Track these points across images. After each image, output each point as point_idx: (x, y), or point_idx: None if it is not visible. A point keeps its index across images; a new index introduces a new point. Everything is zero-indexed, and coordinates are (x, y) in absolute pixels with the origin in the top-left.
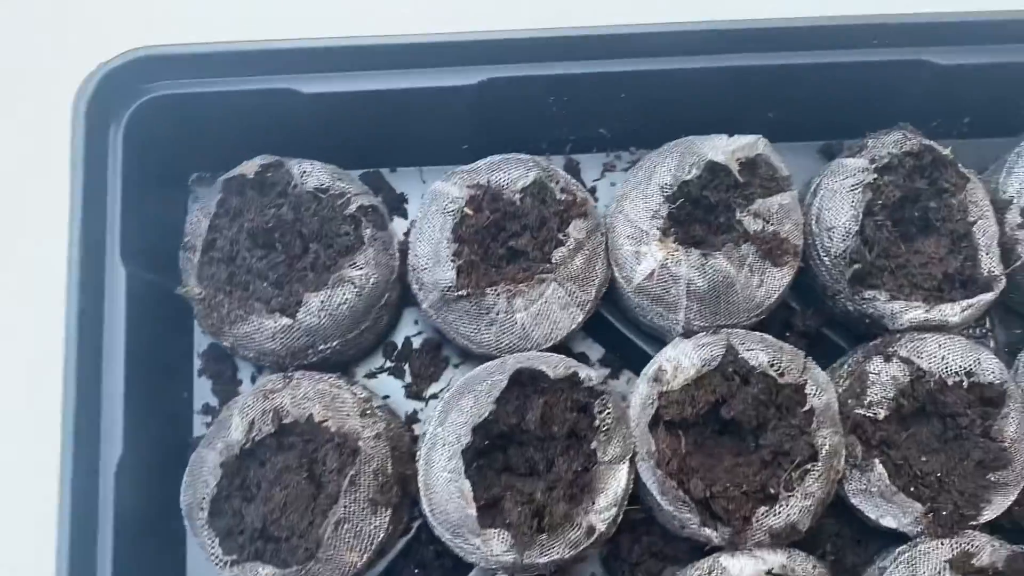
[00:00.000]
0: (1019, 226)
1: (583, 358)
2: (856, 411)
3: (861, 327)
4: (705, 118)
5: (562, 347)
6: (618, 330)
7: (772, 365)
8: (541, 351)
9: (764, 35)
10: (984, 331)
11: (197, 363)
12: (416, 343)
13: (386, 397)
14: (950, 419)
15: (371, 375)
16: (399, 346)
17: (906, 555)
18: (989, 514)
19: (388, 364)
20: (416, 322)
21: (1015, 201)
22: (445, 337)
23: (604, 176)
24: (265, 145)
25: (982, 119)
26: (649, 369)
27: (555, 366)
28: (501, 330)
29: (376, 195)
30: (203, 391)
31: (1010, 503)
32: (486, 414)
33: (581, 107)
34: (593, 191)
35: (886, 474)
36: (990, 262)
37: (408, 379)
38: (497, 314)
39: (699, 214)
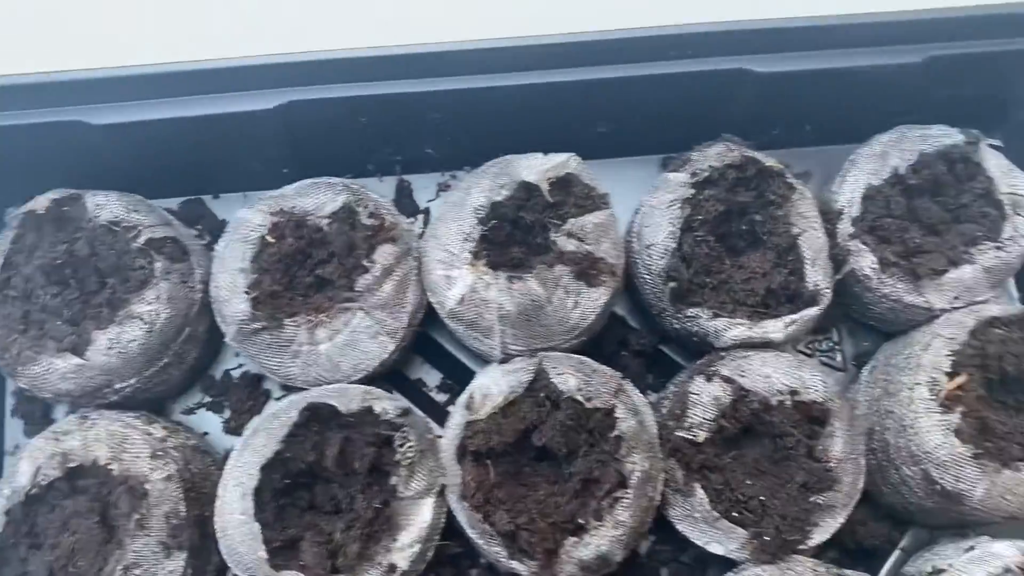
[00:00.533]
0: (851, 236)
1: (420, 384)
2: (676, 434)
3: (692, 345)
4: (533, 136)
5: (398, 374)
6: (452, 355)
7: (580, 390)
8: (353, 382)
9: (581, 49)
10: (831, 344)
11: (10, 402)
12: (236, 376)
13: (205, 434)
14: (776, 440)
15: (189, 411)
16: (217, 380)
17: None
18: (818, 537)
19: (206, 399)
20: (237, 354)
21: (846, 211)
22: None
23: (439, 196)
24: (74, 177)
25: (825, 126)
26: (463, 397)
27: (350, 400)
28: (306, 362)
29: (196, 223)
30: (15, 432)
31: (839, 525)
32: (271, 454)
33: (396, 128)
34: (427, 212)
35: (707, 499)
36: (815, 275)
37: (227, 414)
38: (300, 346)
39: (518, 235)
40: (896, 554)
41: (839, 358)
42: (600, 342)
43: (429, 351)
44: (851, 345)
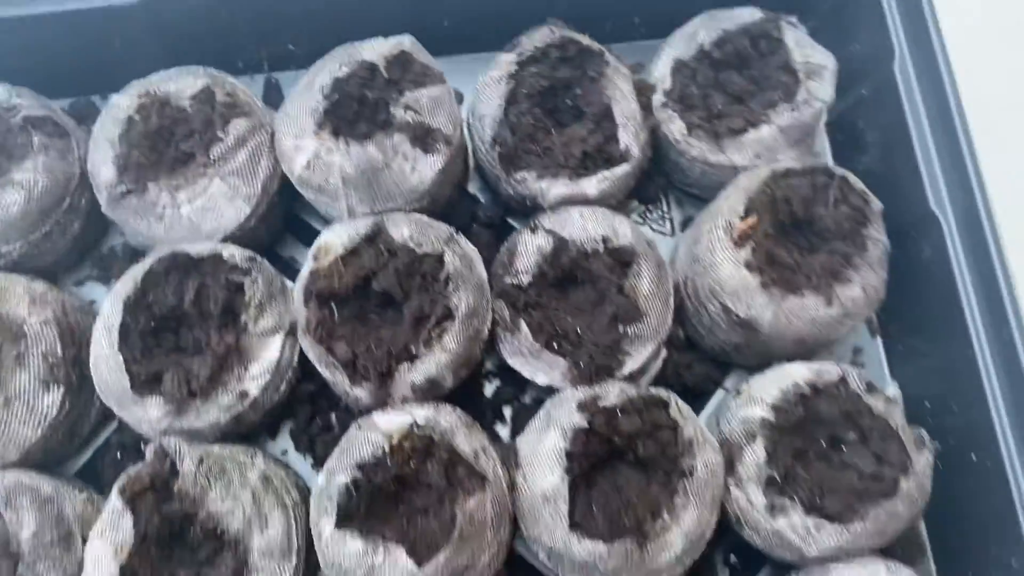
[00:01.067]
0: (662, 105)
1: (292, 261)
2: (505, 279)
3: (527, 211)
4: (385, 30)
5: (272, 252)
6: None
7: (413, 239)
8: None
9: None
10: (662, 213)
11: None
12: (119, 249)
13: (92, 302)
14: (592, 283)
15: (78, 283)
16: (103, 254)
17: (548, 403)
18: (630, 365)
19: (94, 272)
20: (120, 235)
21: (659, 84)
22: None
23: None
24: None
25: (652, 20)
26: (311, 250)
27: (201, 248)
28: (170, 225)
29: (84, 121)
30: None
31: (648, 354)
32: (131, 291)
33: (259, 23)
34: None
35: (530, 334)
36: (626, 138)
37: (112, 283)
38: (163, 208)
39: (365, 113)
40: (719, 393)
41: (668, 226)
42: (451, 217)
43: (301, 232)
44: (679, 213)
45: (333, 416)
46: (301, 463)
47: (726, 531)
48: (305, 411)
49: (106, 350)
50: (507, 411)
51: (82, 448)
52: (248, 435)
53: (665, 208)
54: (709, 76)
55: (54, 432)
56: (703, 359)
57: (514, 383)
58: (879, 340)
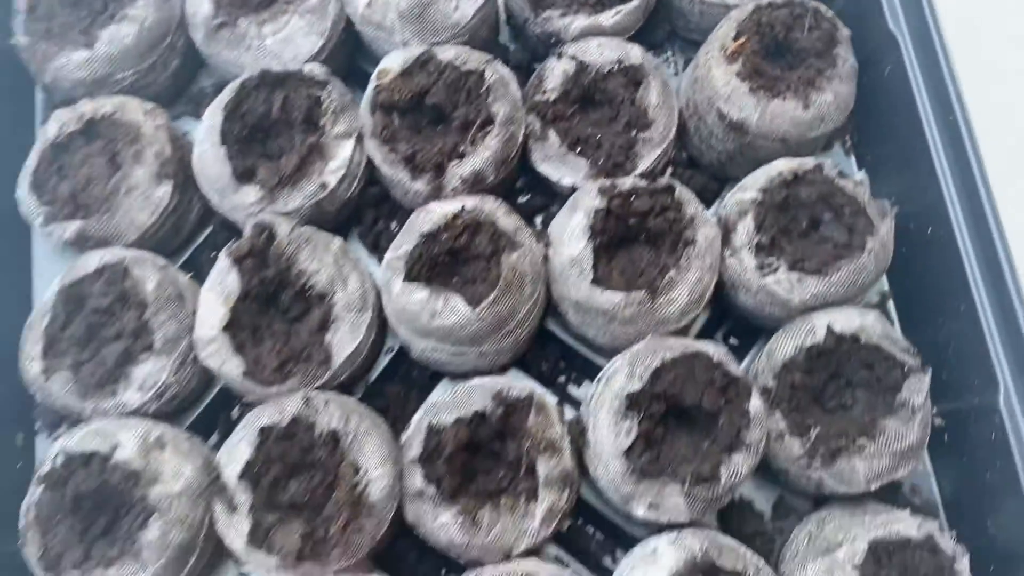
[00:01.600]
0: None
1: None
2: (535, 98)
3: (549, 52)
4: None
5: None
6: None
7: (458, 59)
8: None
9: None
10: (667, 58)
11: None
12: (208, 88)
13: (186, 133)
14: (610, 101)
15: (174, 118)
16: (194, 93)
17: (574, 195)
18: (641, 164)
19: (187, 108)
20: (210, 77)
21: None
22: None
23: None
24: None
25: None
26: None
27: (285, 64)
28: (256, 55)
29: None
30: None
31: (656, 156)
32: (229, 97)
33: None
34: None
35: (558, 140)
36: None
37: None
38: (251, 40)
39: None
40: (718, 202)
41: (673, 68)
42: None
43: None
44: (681, 57)
45: (393, 224)
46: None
47: (725, 313)
48: (370, 215)
49: (210, 147)
50: (537, 220)
51: (183, 248)
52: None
53: (670, 54)
54: None
55: (163, 222)
56: (703, 173)
57: (543, 194)
58: (852, 158)
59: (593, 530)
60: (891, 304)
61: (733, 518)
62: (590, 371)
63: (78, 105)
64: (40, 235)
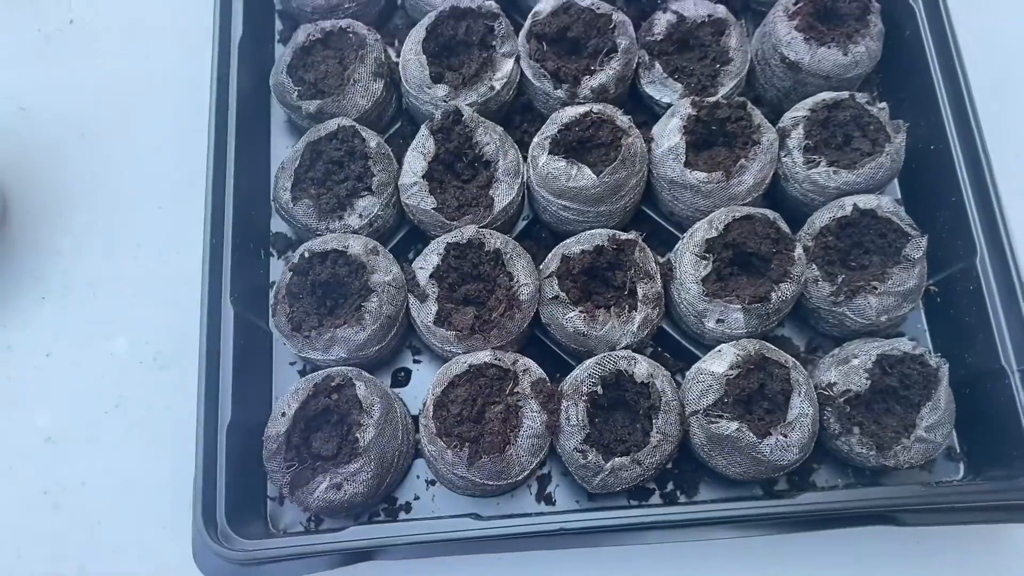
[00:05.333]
0: None
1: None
2: (646, 38)
3: (658, 7)
4: None
5: None
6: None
7: (593, 4)
8: None
9: None
10: (741, 23)
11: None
12: (400, 25)
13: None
14: (701, 45)
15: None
16: (391, 27)
17: (671, 107)
18: (723, 89)
19: (386, 40)
20: (400, 18)
21: None
22: (416, 19)
23: None
24: None
25: None
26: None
27: (468, 2)
28: None
29: None
30: None
31: (734, 84)
32: (430, 22)
33: None
34: None
35: (661, 68)
36: None
37: (396, 44)
38: None
39: None
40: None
41: (746, 32)
42: None
43: None
44: (752, 25)
45: (533, 127)
46: None
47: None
48: (518, 119)
49: (413, 56)
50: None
51: (380, 134)
52: None
53: (743, 22)
54: None
55: (374, 109)
56: (765, 107)
57: (644, 113)
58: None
59: (671, 356)
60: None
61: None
62: (672, 244)
63: (318, 22)
64: (276, 113)
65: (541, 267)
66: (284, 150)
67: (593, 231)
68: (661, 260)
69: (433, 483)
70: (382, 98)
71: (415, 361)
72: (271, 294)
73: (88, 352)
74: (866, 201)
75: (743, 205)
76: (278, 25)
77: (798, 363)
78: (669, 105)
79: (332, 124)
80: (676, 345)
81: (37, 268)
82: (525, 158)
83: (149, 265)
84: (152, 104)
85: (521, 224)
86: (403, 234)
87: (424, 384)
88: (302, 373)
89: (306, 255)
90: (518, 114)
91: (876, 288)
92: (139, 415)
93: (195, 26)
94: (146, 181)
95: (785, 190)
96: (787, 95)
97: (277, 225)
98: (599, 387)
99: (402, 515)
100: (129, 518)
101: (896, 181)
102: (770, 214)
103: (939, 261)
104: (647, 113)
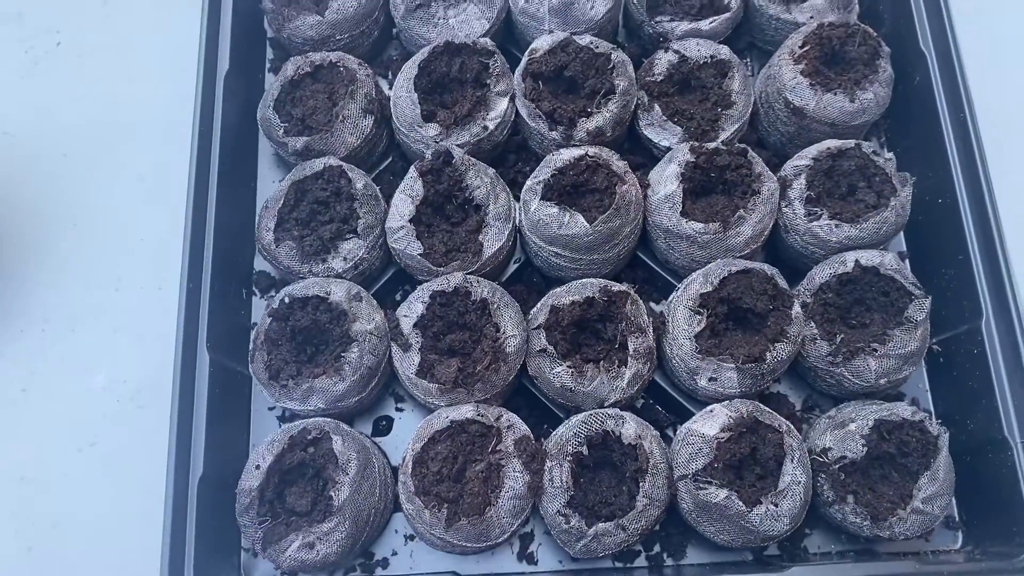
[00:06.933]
0: None
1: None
2: (646, 79)
3: (659, 46)
4: None
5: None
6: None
7: (591, 44)
8: None
9: None
10: (746, 62)
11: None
12: (395, 56)
13: (379, 77)
14: (703, 87)
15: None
16: (383, 60)
17: (669, 151)
18: (724, 134)
19: (378, 70)
20: (395, 49)
21: None
22: (411, 51)
23: None
24: None
25: None
26: (529, 48)
27: (463, 38)
28: (440, 31)
29: None
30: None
31: (735, 129)
32: (423, 57)
33: None
34: None
35: (660, 111)
36: None
37: (390, 76)
38: (439, 19)
39: None
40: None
41: (750, 71)
42: None
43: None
44: (757, 63)
45: (527, 166)
46: None
47: (775, 261)
48: (512, 158)
49: (405, 93)
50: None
51: (370, 170)
52: None
53: (748, 60)
54: None
55: (364, 145)
56: (768, 152)
57: (642, 155)
58: (885, 150)
59: (662, 409)
60: (907, 263)
61: (770, 406)
62: (668, 292)
63: (308, 54)
64: (264, 144)
65: (530, 316)
66: (271, 184)
67: (584, 280)
68: (654, 311)
69: (412, 538)
70: (372, 134)
71: (398, 409)
72: (252, 337)
73: (65, 388)
74: (869, 257)
75: (740, 257)
76: (269, 53)
77: (792, 427)
78: (668, 148)
79: (318, 164)
80: (668, 398)
81: (17, 300)
82: (519, 198)
83: (130, 300)
84: (138, 132)
85: (512, 267)
86: (391, 275)
87: (407, 433)
88: (282, 419)
89: (286, 300)
90: (512, 152)
91: (876, 350)
92: (115, 455)
93: (184, 50)
94: (129, 212)
95: (785, 240)
96: (791, 140)
97: (261, 263)
98: (585, 447)
99: (379, 571)
100: (101, 562)
101: (901, 232)
102: (768, 269)
103: (944, 320)
104: (645, 154)
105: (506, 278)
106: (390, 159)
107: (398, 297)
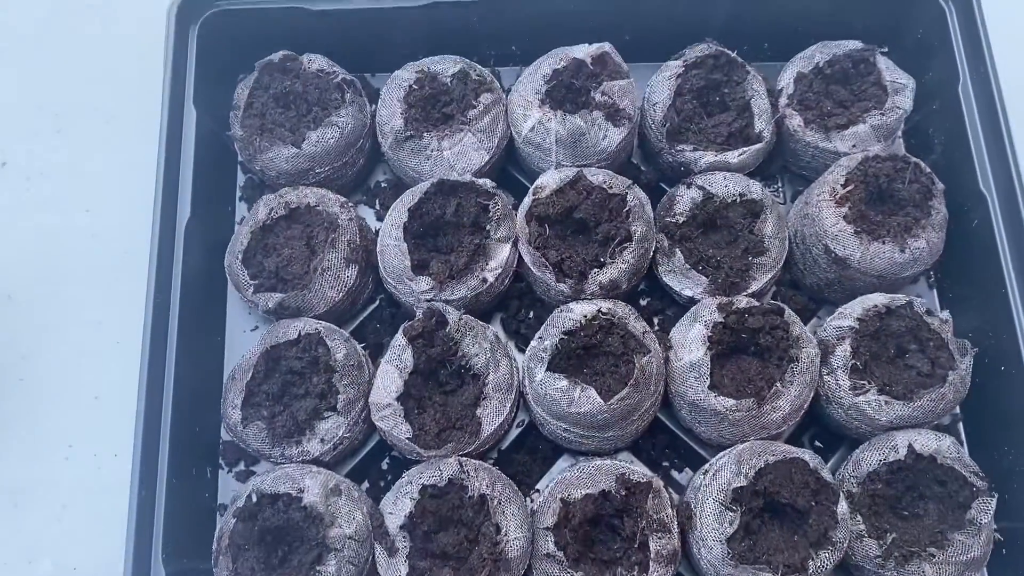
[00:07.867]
0: (786, 105)
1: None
2: (665, 219)
3: (679, 176)
4: (582, 40)
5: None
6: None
7: (605, 182)
8: None
9: None
10: (777, 188)
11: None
12: (384, 184)
13: (362, 218)
14: (730, 227)
15: (355, 204)
16: (371, 187)
17: (694, 306)
18: (755, 285)
19: (363, 199)
20: (384, 173)
21: (784, 89)
22: (401, 178)
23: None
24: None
25: (778, 46)
26: (533, 187)
27: (460, 177)
28: (434, 163)
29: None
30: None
31: (768, 280)
32: (415, 201)
33: (497, 28)
34: (508, 91)
35: (682, 257)
36: (760, 124)
37: (377, 206)
38: (431, 151)
39: (573, 94)
40: (813, 320)
41: (781, 198)
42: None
43: (510, 183)
44: (789, 189)
45: (532, 312)
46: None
47: (813, 420)
48: (514, 304)
49: (393, 241)
50: (654, 319)
51: (352, 319)
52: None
53: (779, 185)
54: (821, 86)
55: (347, 297)
56: (803, 294)
57: (661, 299)
58: (935, 292)
59: None
60: (960, 425)
61: None
62: (692, 460)
63: (283, 193)
64: (234, 299)
65: (536, 510)
66: (241, 335)
67: (598, 463)
68: (678, 501)
69: None
70: (356, 285)
71: None
72: (216, 535)
73: None
74: (924, 444)
75: (777, 438)
76: (240, 179)
77: None
78: (691, 298)
79: (292, 330)
80: None
81: None
82: (522, 349)
83: (82, 469)
84: (91, 268)
85: (516, 431)
86: (367, 452)
87: None
88: None
89: (253, 498)
90: (516, 299)
91: (933, 556)
92: None
93: (143, 179)
94: (82, 363)
95: (825, 410)
96: (830, 285)
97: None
98: None
99: None
100: None
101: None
102: (811, 459)
103: (1009, 509)
104: (665, 299)
105: (507, 445)
106: (376, 303)
107: (384, 466)
